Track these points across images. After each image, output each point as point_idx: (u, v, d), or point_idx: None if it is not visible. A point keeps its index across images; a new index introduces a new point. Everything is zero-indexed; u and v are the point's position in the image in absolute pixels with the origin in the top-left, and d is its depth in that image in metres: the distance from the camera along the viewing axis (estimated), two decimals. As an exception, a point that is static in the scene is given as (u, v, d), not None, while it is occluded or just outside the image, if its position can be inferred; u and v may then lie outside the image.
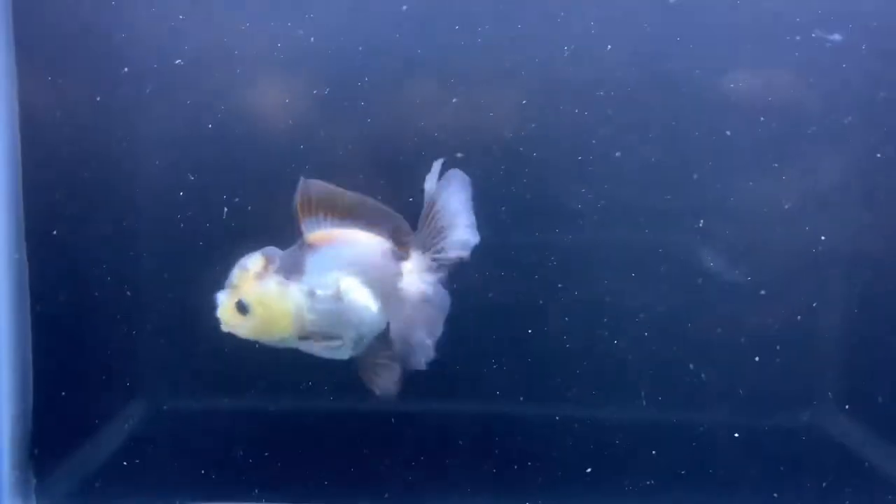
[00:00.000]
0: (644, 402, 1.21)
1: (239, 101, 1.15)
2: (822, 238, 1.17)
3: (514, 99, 1.15)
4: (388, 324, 0.97)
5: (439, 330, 0.98)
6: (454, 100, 1.14)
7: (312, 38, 1.13)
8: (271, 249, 0.94)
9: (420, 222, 0.97)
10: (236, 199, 1.14)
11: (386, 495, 1.22)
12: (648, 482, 1.23)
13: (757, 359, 1.19)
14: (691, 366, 1.20)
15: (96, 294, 1.17)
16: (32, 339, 1.19)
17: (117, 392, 1.20)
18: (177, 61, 1.14)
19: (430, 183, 0.96)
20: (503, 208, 1.15)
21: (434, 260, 0.96)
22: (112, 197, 1.17)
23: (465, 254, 0.97)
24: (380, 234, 0.97)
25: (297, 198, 0.94)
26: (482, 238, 0.99)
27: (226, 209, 1.15)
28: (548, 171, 1.15)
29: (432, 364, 0.97)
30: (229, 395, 1.21)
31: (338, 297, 0.94)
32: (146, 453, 1.21)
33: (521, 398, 1.21)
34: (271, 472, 1.21)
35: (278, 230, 0.98)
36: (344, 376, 1.08)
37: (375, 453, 1.21)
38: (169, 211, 1.16)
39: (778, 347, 1.19)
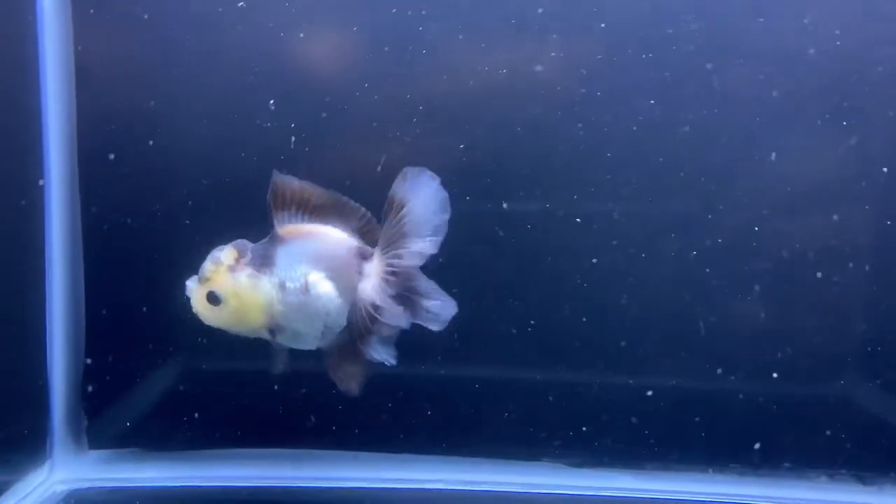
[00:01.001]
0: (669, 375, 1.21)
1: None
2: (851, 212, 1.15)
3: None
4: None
5: (389, 331, 0.96)
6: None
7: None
8: (242, 242, 0.96)
9: (384, 224, 0.95)
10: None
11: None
12: (633, 450, 1.23)
13: (785, 331, 1.18)
14: (720, 337, 1.20)
15: (146, 260, 1.23)
16: (86, 295, 1.25)
17: (159, 348, 1.25)
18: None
19: (400, 186, 0.94)
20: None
21: (388, 265, 0.95)
22: (161, 166, 1.22)
23: (419, 263, 0.94)
24: (349, 230, 0.97)
25: (271, 192, 0.95)
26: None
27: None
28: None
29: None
30: (255, 357, 1.22)
31: (305, 289, 0.96)
32: (184, 402, 1.26)
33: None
34: (291, 423, 1.25)
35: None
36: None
37: (388, 407, 1.24)
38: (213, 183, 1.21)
39: (806, 319, 1.18)
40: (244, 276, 0.95)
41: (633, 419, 1.23)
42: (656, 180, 1.19)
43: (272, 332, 0.98)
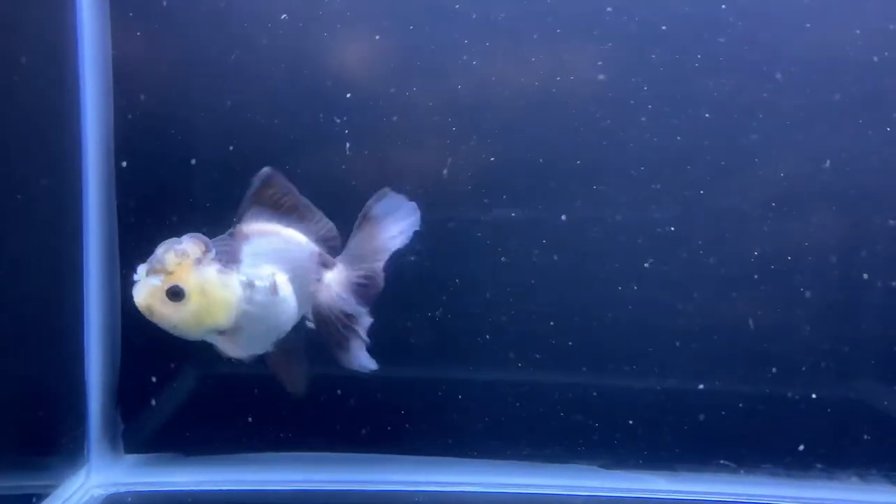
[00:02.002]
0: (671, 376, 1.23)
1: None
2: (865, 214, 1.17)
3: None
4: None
5: (346, 341, 0.98)
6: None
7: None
8: (201, 236, 0.88)
9: (352, 238, 0.96)
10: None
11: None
12: (663, 452, 1.25)
13: (813, 332, 1.20)
14: (729, 338, 1.22)
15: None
16: (122, 299, 1.24)
17: (195, 352, 1.21)
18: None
19: (376, 204, 0.96)
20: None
21: (360, 276, 0.95)
22: (199, 171, 1.22)
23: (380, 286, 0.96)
24: (310, 237, 0.96)
25: (259, 185, 0.91)
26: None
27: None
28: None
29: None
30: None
31: (274, 290, 0.91)
32: (220, 406, 1.26)
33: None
34: (329, 427, 1.26)
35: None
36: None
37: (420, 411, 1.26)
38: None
39: (818, 321, 1.20)
40: (213, 272, 0.86)
41: (665, 421, 1.25)
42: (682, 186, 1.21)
43: (223, 333, 0.90)
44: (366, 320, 0.96)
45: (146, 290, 0.85)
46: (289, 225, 0.94)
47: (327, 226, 0.97)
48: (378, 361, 1.20)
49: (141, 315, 1.22)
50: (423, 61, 1.19)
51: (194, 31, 1.21)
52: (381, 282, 0.98)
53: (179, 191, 1.23)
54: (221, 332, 0.89)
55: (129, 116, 1.22)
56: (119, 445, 1.27)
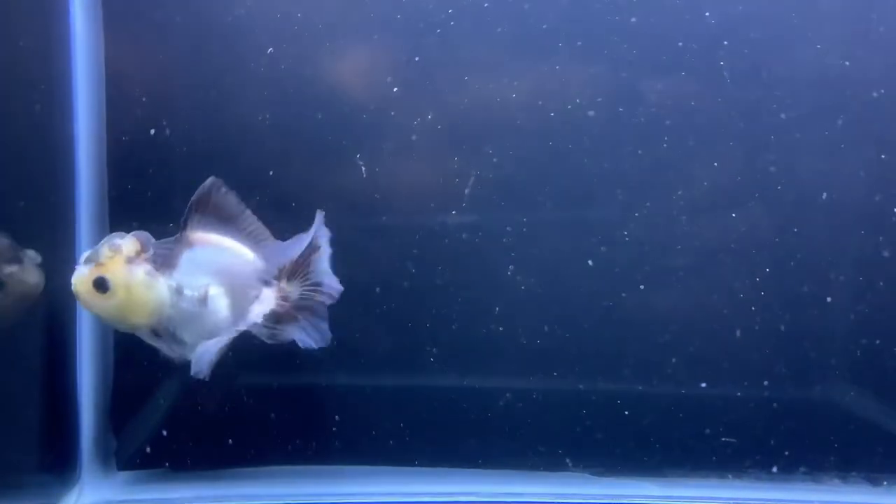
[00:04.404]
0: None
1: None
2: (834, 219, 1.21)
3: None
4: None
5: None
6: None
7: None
8: (145, 235, 0.92)
9: (301, 257, 0.97)
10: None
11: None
12: (653, 458, 1.27)
13: (767, 334, 1.23)
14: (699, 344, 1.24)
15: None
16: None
17: (186, 368, 1.26)
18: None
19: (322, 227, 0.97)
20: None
21: (302, 296, 0.97)
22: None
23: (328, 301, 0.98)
24: (254, 251, 0.97)
25: (200, 195, 0.93)
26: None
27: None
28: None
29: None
30: (284, 376, 1.26)
31: (203, 301, 0.93)
32: (212, 422, 1.26)
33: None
34: (321, 440, 1.26)
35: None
36: (370, 357, 1.19)
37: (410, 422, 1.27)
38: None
39: (789, 324, 1.23)
40: (141, 272, 0.90)
41: (654, 428, 1.27)
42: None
43: (154, 332, 0.94)
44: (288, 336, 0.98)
45: (77, 276, 0.90)
46: (233, 236, 0.96)
47: (269, 240, 0.98)
48: (366, 373, 1.24)
49: (134, 335, 1.23)
50: (426, 77, 1.21)
51: (191, 38, 1.22)
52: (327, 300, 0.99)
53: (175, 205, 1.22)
54: (154, 331, 0.94)
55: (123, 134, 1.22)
56: (111, 462, 1.26)
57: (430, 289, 1.23)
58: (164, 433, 1.27)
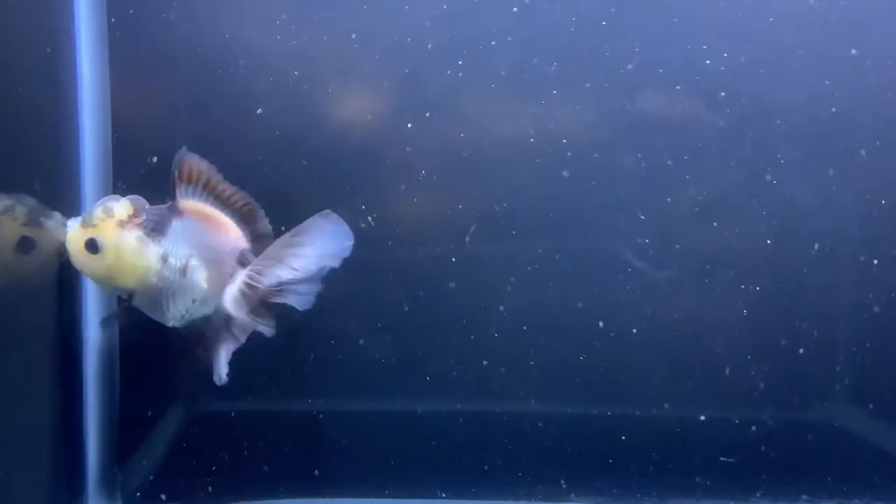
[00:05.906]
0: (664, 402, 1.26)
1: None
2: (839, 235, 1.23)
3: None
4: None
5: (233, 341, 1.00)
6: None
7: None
8: (140, 200, 0.94)
9: (273, 244, 0.98)
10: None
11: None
12: (651, 479, 1.27)
13: (770, 354, 1.25)
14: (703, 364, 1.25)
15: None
16: (119, 347, 1.27)
17: (192, 400, 1.29)
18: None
19: (309, 222, 0.98)
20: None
21: (249, 277, 0.97)
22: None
23: (277, 290, 0.98)
24: (247, 233, 1.00)
25: (176, 164, 0.95)
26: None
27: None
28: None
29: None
30: (288, 406, 1.28)
31: (183, 272, 0.95)
32: (216, 453, 1.28)
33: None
34: (325, 472, 1.28)
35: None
36: (372, 383, 1.20)
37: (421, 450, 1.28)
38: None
39: (791, 343, 1.25)
40: (133, 237, 0.93)
41: (656, 454, 1.27)
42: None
43: (132, 295, 0.96)
44: (248, 326, 0.98)
45: (70, 234, 0.93)
46: (225, 212, 0.99)
47: (267, 229, 1.01)
48: (370, 401, 1.24)
49: (140, 365, 1.25)
50: (426, 106, 1.23)
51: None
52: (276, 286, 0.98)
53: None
54: (131, 295, 0.95)
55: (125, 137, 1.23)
56: (117, 496, 1.28)
57: (426, 317, 1.25)
58: (170, 466, 1.29)
